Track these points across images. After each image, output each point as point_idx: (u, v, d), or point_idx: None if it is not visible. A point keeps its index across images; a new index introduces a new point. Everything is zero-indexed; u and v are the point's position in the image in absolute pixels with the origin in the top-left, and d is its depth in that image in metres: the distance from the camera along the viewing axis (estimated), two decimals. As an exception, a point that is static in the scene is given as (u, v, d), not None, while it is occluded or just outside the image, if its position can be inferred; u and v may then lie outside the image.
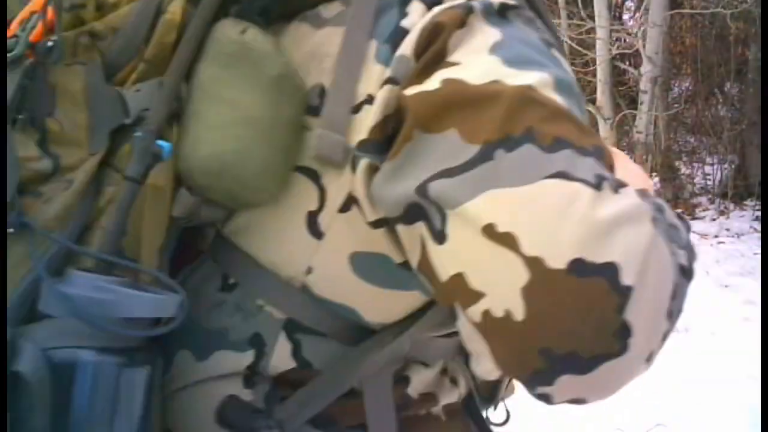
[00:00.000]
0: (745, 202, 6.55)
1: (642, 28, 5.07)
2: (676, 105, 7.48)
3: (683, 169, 7.17)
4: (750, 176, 6.63)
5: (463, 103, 0.46)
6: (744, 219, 6.24)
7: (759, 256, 5.11)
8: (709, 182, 6.93)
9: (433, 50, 0.50)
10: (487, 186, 0.42)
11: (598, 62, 5.16)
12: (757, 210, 6.22)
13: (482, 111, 0.44)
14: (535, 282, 0.40)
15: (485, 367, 0.65)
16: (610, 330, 0.41)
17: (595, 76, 5.28)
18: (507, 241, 0.41)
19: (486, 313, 0.42)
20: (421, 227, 0.47)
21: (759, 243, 5.39)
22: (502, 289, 0.41)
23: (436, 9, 0.52)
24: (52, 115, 0.52)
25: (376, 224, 0.52)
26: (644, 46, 4.81)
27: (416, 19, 0.52)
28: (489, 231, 0.42)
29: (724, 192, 6.60)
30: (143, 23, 0.54)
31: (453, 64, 0.49)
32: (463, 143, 0.44)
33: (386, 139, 0.50)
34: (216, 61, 0.52)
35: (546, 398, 0.45)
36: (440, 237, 0.45)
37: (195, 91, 0.53)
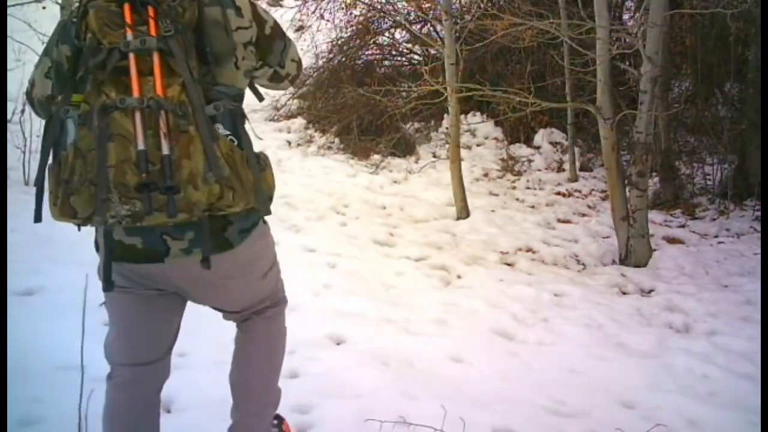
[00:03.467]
0: (745, 202, 6.55)
1: (642, 28, 5.05)
2: (676, 105, 7.48)
3: (683, 169, 7.17)
4: (750, 176, 6.62)
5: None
6: (744, 219, 6.24)
7: (759, 256, 5.11)
8: (709, 182, 6.94)
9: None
10: (290, 47, 1.65)
11: (598, 62, 5.15)
12: (757, 210, 6.22)
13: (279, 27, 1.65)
14: (299, 67, 1.72)
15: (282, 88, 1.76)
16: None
17: (595, 76, 5.27)
18: (296, 63, 1.69)
19: (292, 77, 1.71)
20: (274, 66, 1.63)
21: (759, 243, 5.39)
22: (293, 71, 1.69)
23: None
24: None
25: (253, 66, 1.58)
26: (644, 46, 4.80)
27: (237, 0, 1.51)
28: (295, 59, 1.68)
29: (724, 192, 6.59)
30: None
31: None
32: (281, 41, 1.61)
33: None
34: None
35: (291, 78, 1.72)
36: (282, 67, 1.64)
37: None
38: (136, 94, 1.31)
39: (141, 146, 1.29)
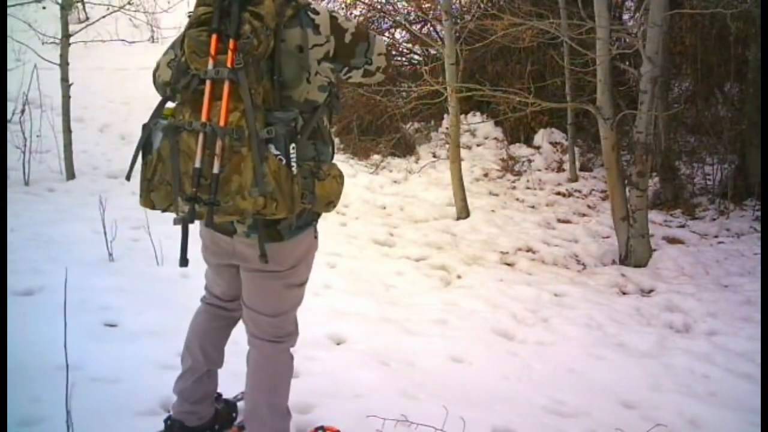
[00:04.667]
0: (745, 202, 6.55)
1: (642, 28, 5.06)
2: (676, 105, 7.47)
3: (683, 169, 7.17)
4: (750, 176, 6.63)
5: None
6: (744, 219, 6.24)
7: (759, 256, 5.11)
8: (709, 182, 6.94)
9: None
10: (374, 44, 1.82)
11: (598, 62, 5.15)
12: (757, 210, 6.22)
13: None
14: (386, 57, 1.89)
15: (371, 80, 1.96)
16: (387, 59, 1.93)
17: (595, 76, 5.27)
18: (383, 55, 1.85)
19: (383, 68, 1.87)
20: (362, 66, 1.82)
21: (759, 243, 5.39)
22: (383, 63, 1.86)
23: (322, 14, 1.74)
24: None
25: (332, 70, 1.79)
26: (644, 46, 4.80)
27: (317, 18, 1.72)
28: (382, 52, 1.84)
29: (724, 192, 6.60)
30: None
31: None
32: (363, 42, 1.81)
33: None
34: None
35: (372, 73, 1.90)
36: (370, 64, 1.83)
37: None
38: (204, 117, 1.58)
39: (197, 164, 1.57)
